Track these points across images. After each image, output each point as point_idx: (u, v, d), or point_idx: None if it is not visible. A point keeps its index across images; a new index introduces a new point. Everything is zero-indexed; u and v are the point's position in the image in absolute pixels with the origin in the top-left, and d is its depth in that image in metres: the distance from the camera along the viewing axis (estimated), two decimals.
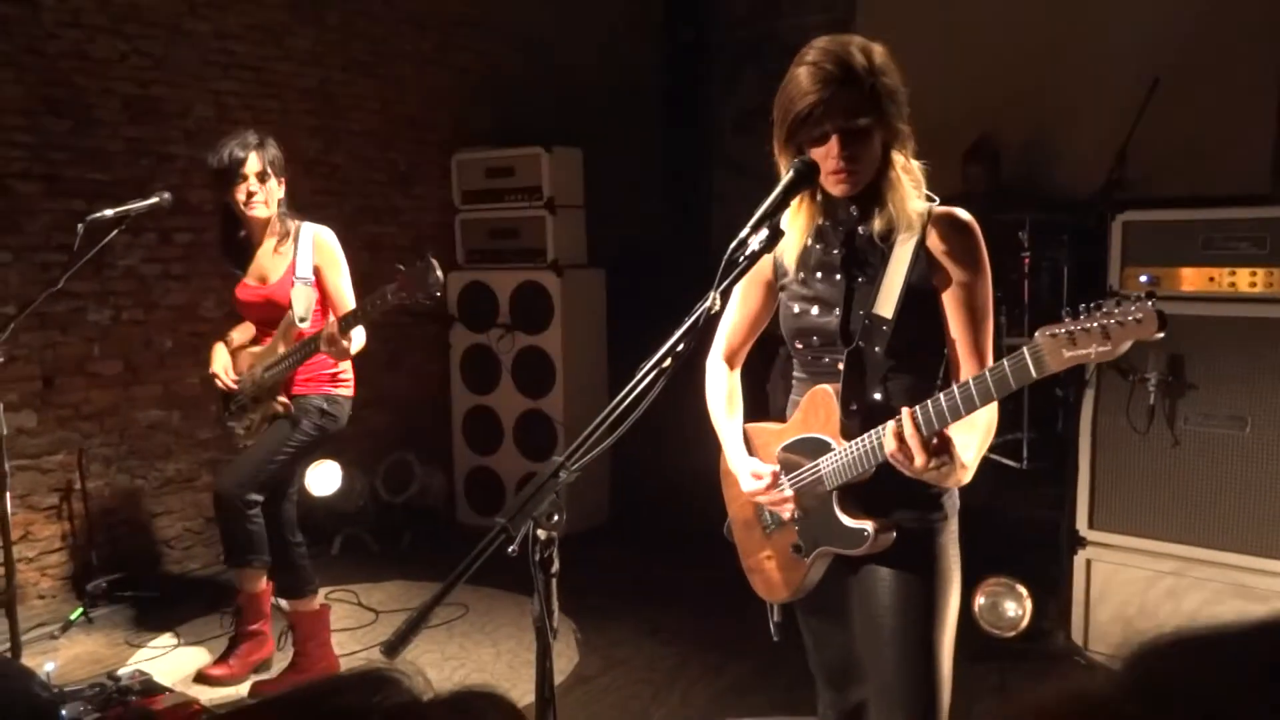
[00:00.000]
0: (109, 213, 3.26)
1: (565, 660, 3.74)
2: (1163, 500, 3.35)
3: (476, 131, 5.88)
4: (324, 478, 4.82)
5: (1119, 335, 1.43)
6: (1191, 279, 3.35)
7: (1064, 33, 5.69)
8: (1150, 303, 1.42)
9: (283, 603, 3.65)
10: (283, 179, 3.45)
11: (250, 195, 3.36)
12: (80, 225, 3.17)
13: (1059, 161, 5.63)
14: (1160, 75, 5.01)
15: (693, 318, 1.50)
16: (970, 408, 1.61)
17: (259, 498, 3.46)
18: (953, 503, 1.91)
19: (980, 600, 3.71)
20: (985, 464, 1.83)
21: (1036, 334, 1.50)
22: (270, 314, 3.47)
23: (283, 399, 3.42)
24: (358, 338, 3.32)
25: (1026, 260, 4.90)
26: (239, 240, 3.52)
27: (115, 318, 4.62)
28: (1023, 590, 3.66)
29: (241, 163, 3.32)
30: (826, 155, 1.74)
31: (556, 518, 1.40)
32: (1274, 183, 5.15)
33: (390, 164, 5.68)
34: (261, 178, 3.36)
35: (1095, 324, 1.44)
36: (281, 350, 3.41)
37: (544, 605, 1.38)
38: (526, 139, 5.42)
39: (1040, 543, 3.93)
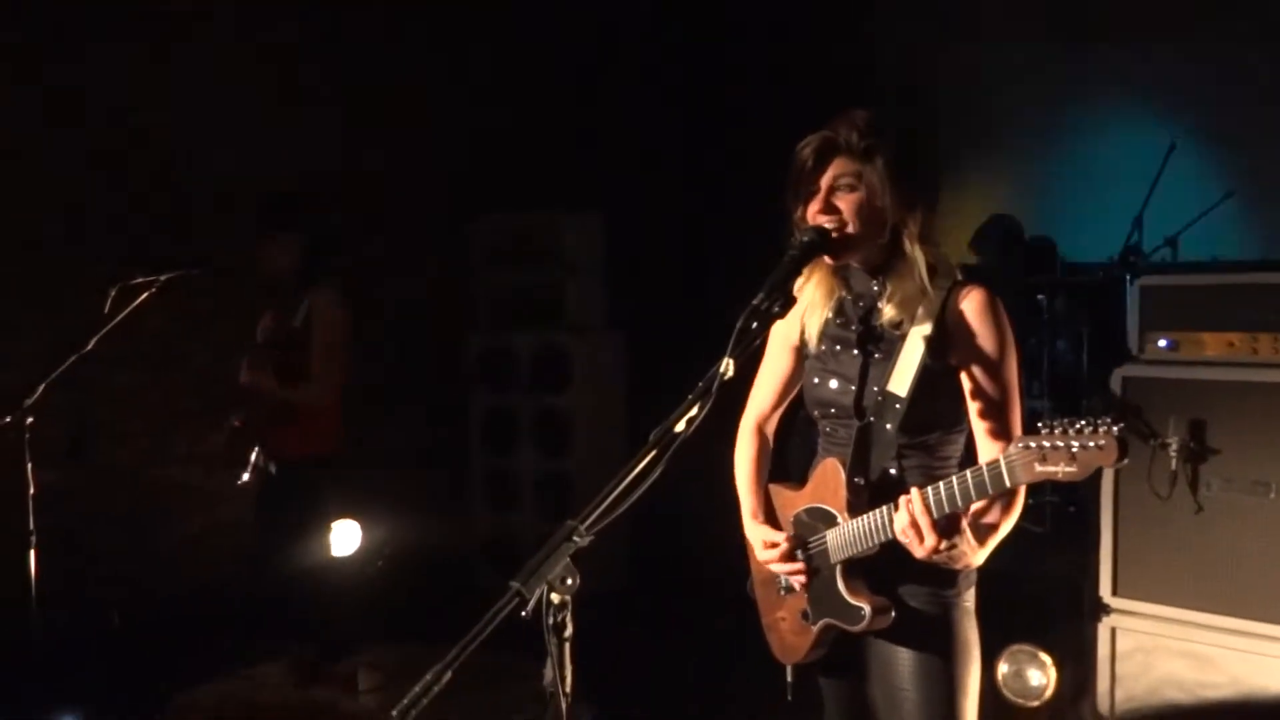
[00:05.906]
0: (140, 279, 3.35)
1: None
2: (1187, 567, 3.30)
3: (497, 195, 5.96)
4: (344, 537, 4.82)
5: (1084, 460, 1.46)
6: (1212, 344, 3.33)
7: (1082, 96, 5.76)
8: (1116, 430, 1.44)
9: None
10: (291, 241, 3.58)
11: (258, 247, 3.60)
12: (112, 290, 3.25)
13: (1078, 226, 5.66)
14: (1176, 140, 5.06)
15: (705, 384, 1.52)
16: (954, 506, 1.63)
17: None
18: (968, 577, 1.90)
19: (1003, 668, 3.64)
20: None
21: (1012, 444, 1.54)
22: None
23: (256, 451, 3.53)
24: (310, 392, 3.51)
25: (1047, 323, 4.91)
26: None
27: (140, 380, 4.68)
28: (1046, 659, 3.59)
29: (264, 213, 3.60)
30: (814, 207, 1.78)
31: (571, 581, 1.40)
32: None
33: (411, 225, 5.74)
34: (264, 236, 3.58)
35: (1063, 444, 1.47)
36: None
37: (558, 671, 1.38)
38: (547, 202, 5.49)
39: (1063, 609, 3.86)
